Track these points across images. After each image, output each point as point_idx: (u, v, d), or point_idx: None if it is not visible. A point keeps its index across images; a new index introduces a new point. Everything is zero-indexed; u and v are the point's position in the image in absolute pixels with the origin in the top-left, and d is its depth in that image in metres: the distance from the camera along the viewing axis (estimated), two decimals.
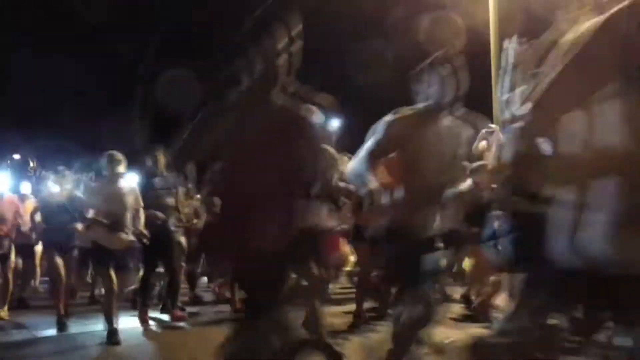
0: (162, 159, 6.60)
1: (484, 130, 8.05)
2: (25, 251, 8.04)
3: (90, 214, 5.71)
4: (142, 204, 6.10)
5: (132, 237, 5.83)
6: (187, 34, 17.22)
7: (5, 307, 7.16)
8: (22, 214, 7.56)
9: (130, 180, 6.62)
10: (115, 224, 5.64)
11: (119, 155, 5.86)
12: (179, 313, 6.72)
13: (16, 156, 25.63)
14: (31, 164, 8.94)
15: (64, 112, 16.13)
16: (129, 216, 5.82)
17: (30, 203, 8.05)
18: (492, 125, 8.42)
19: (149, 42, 18.06)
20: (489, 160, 7.31)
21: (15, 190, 8.34)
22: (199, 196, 8.20)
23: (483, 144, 7.99)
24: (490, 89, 9.51)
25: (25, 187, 8.61)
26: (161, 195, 6.55)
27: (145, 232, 5.98)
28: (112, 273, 5.59)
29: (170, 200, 6.63)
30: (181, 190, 7.03)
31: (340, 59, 15.51)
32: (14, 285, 7.56)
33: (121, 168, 5.82)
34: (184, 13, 17.70)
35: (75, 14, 16.24)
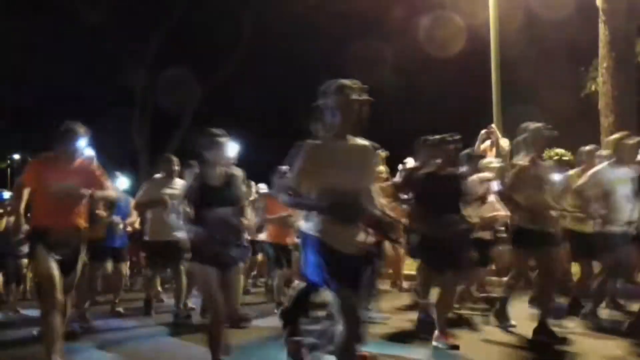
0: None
1: (483, 131, 8.11)
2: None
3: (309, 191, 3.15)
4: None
5: (367, 238, 3.17)
6: (187, 33, 17.18)
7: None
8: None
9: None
10: (351, 211, 3.10)
11: (353, 83, 3.13)
12: None
13: (16, 156, 25.59)
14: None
15: (63, 112, 16.10)
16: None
17: None
18: (492, 125, 8.46)
19: (149, 41, 18.04)
20: (491, 159, 7.33)
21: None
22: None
23: (486, 143, 8.04)
24: (490, 89, 9.50)
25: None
26: None
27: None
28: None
29: None
30: None
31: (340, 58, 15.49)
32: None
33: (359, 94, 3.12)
34: (183, 13, 17.66)
35: (75, 13, 16.20)
